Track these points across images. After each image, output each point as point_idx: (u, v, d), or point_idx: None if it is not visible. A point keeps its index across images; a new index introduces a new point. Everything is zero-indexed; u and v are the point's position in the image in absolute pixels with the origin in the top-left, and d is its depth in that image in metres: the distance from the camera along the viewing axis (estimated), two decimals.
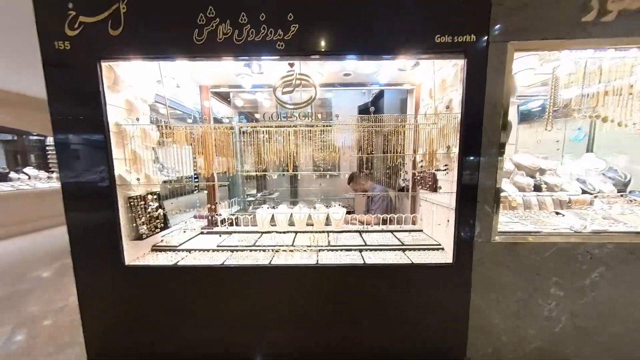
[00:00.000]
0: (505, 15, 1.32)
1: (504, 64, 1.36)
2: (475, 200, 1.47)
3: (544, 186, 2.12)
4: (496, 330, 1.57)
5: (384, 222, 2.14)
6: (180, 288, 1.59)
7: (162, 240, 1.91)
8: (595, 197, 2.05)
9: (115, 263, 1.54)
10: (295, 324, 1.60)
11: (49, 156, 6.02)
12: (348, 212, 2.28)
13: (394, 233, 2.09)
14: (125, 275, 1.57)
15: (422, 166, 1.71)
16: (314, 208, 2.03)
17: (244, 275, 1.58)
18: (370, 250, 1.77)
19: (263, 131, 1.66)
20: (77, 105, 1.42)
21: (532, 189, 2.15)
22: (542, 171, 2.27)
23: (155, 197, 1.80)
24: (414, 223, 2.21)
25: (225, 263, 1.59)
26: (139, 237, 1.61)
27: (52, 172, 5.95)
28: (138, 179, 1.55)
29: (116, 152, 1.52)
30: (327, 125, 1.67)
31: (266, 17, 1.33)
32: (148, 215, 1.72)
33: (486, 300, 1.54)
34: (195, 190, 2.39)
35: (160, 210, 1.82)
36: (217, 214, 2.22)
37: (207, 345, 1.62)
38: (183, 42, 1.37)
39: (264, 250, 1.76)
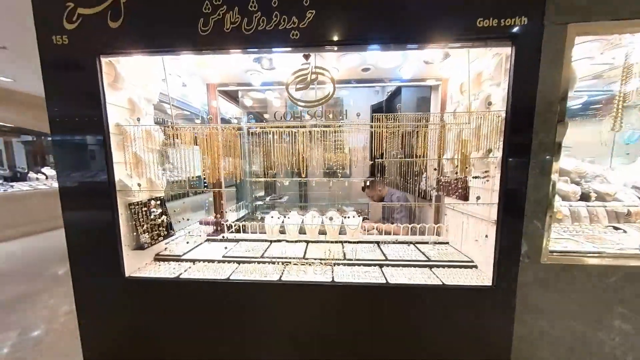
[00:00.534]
0: None
1: (562, 51, 1.13)
2: (522, 213, 1.24)
3: (593, 195, 1.84)
4: None
5: (408, 232, 1.93)
6: (182, 303, 1.46)
7: (165, 249, 1.80)
8: None
9: (115, 274, 1.43)
10: (308, 349, 1.43)
11: None
12: (363, 220, 2.09)
13: (416, 245, 1.88)
14: (126, 288, 1.45)
15: (456, 173, 1.49)
16: (329, 219, 1.84)
17: (251, 291, 1.42)
18: (393, 266, 1.57)
19: (272, 132, 1.50)
20: (75, 105, 1.32)
21: (579, 197, 1.87)
22: (588, 177, 1.98)
23: (158, 202, 1.68)
24: (438, 234, 1.98)
25: (230, 277, 1.44)
26: (140, 247, 1.49)
27: None
28: (139, 185, 1.43)
29: (117, 155, 1.41)
30: (342, 125, 1.49)
31: (279, 2, 1.17)
32: (151, 223, 1.60)
33: (533, 331, 1.30)
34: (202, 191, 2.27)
35: (164, 217, 1.70)
36: (223, 221, 2.08)
37: None
38: (187, 34, 1.24)
39: (273, 263, 1.60)
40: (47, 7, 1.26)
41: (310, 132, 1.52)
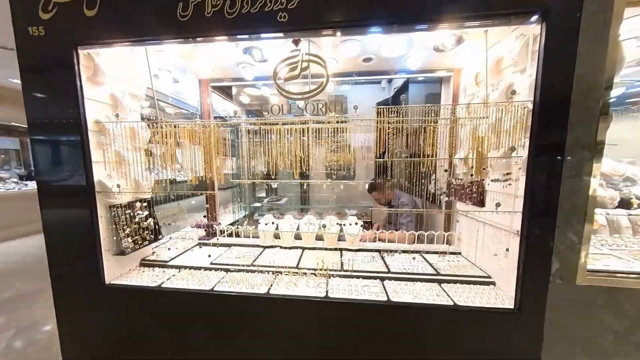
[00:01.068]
0: None
1: (608, 27, 0.92)
2: (552, 224, 1.03)
3: (635, 201, 1.57)
4: None
5: (414, 240, 1.75)
6: (164, 314, 1.35)
7: (153, 253, 1.70)
8: None
9: (94, 281, 1.34)
10: None
11: None
12: (365, 223, 1.91)
13: (424, 254, 1.68)
14: (105, 295, 1.36)
15: (471, 175, 1.29)
16: (323, 226, 1.69)
17: (236, 305, 1.28)
18: (396, 279, 1.39)
19: (263, 130, 1.36)
20: (52, 100, 1.24)
21: (616, 204, 1.61)
22: (628, 180, 1.71)
23: (144, 205, 1.59)
24: (448, 243, 1.77)
25: (215, 288, 1.32)
26: (121, 253, 1.40)
27: None
28: (119, 185, 1.33)
29: (97, 154, 1.32)
30: (339, 121, 1.33)
31: None
32: (135, 226, 1.51)
33: None
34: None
35: (150, 220, 1.61)
36: (216, 223, 1.97)
37: None
38: (166, 20, 1.12)
39: (263, 272, 1.46)
40: None
41: (305, 129, 1.37)
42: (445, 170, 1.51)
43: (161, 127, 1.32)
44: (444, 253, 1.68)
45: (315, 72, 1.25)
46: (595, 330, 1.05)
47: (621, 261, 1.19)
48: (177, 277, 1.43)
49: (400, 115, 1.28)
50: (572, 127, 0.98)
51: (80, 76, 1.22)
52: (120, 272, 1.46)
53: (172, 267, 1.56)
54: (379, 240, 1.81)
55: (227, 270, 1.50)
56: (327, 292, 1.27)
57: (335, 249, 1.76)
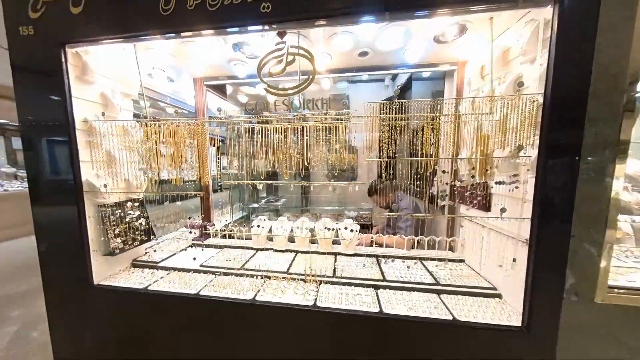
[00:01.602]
0: None
1: (633, 10, 0.79)
2: (567, 232, 0.91)
3: None
4: None
5: (414, 245, 1.64)
6: (151, 316, 1.32)
7: (146, 254, 1.69)
8: None
9: (82, 282, 1.33)
10: None
11: None
12: (363, 226, 1.82)
13: (423, 262, 1.57)
14: (93, 296, 1.35)
15: (473, 177, 1.18)
16: (310, 230, 1.61)
17: (221, 310, 1.23)
18: (391, 288, 1.30)
19: (256, 128, 1.30)
20: (41, 99, 1.24)
21: None
22: None
23: (136, 204, 1.58)
24: (451, 249, 1.65)
25: (200, 292, 1.27)
26: (110, 253, 1.38)
27: None
28: (105, 185, 1.32)
29: (86, 154, 1.31)
30: (330, 119, 1.25)
31: None
32: (126, 226, 1.49)
33: None
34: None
35: (142, 220, 1.59)
36: (210, 224, 1.95)
37: None
38: (149, 15, 1.09)
39: (252, 277, 1.41)
40: None
41: (301, 128, 1.30)
42: (444, 172, 1.40)
43: (147, 126, 1.29)
44: (445, 260, 1.56)
45: (306, 67, 1.19)
46: (616, 356, 0.92)
47: None
48: (165, 280, 1.40)
49: (397, 113, 1.18)
50: (591, 123, 0.85)
51: (68, 75, 1.21)
52: (110, 272, 1.45)
53: (162, 268, 1.53)
54: (376, 244, 1.71)
55: (215, 274, 1.46)
56: (315, 300, 1.19)
57: (329, 253, 1.68)
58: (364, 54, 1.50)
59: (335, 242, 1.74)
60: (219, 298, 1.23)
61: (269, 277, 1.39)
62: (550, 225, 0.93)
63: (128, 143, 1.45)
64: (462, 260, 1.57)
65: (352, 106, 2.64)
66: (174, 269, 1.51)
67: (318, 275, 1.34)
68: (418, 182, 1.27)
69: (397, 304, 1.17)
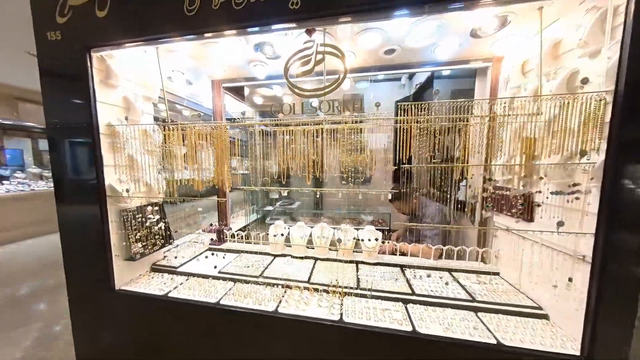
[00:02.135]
0: None
1: None
2: (638, 251, 0.79)
3: None
4: None
5: (441, 255, 1.54)
6: (171, 323, 1.29)
7: (164, 257, 1.68)
8: None
9: (105, 286, 1.33)
10: None
11: None
12: (382, 232, 1.73)
13: (453, 273, 1.46)
14: (115, 301, 1.34)
15: (523, 186, 1.06)
16: (339, 237, 1.54)
17: (241, 321, 1.19)
18: (421, 303, 1.20)
19: (273, 131, 1.25)
20: (67, 103, 1.24)
21: None
22: None
23: (156, 209, 1.56)
24: (483, 261, 1.53)
25: (221, 301, 1.23)
26: (131, 258, 1.37)
27: None
28: (127, 190, 1.31)
29: (109, 158, 1.31)
30: (358, 121, 1.17)
31: None
32: (146, 231, 1.48)
33: None
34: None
35: (161, 224, 1.58)
36: (227, 228, 1.92)
37: None
38: (173, 16, 1.06)
39: (273, 286, 1.36)
40: (43, 1, 1.20)
41: (318, 130, 1.24)
42: (463, 178, 1.27)
43: (169, 130, 1.27)
44: (478, 272, 1.44)
45: (330, 67, 1.12)
46: None
47: None
48: (185, 286, 1.38)
49: (427, 113, 1.08)
50: None
51: (93, 79, 1.21)
52: (130, 276, 1.44)
53: (181, 274, 1.51)
54: (400, 253, 1.62)
55: (235, 281, 1.41)
56: (341, 314, 1.12)
57: (350, 262, 1.60)
58: (390, 51, 1.41)
59: (355, 249, 1.65)
60: (240, 308, 1.18)
61: (289, 287, 1.33)
62: (619, 242, 0.81)
63: (149, 147, 1.44)
64: (497, 274, 1.45)
65: (367, 105, 2.55)
66: (193, 275, 1.48)
67: (344, 287, 1.27)
68: (448, 189, 1.17)
69: (431, 322, 1.07)
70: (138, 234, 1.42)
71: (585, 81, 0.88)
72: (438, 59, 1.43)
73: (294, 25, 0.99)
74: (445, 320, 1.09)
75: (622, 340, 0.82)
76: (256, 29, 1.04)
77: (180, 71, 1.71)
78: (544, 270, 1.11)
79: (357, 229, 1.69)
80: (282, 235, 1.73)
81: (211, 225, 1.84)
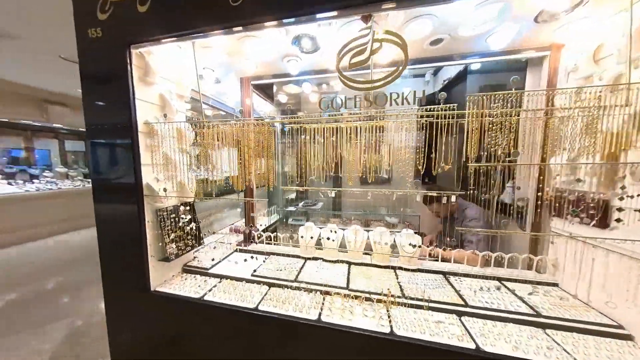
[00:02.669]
0: None
1: None
2: None
3: None
4: None
5: (487, 262, 1.42)
6: (207, 326, 1.25)
7: (194, 258, 1.65)
8: None
9: (141, 287, 1.30)
10: None
11: None
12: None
13: (503, 283, 1.34)
14: (150, 302, 1.32)
15: (622, 187, 0.93)
16: (375, 240, 1.44)
17: (281, 328, 1.12)
18: (476, 316, 1.09)
19: (312, 128, 1.18)
20: (106, 101, 1.23)
21: None
22: None
23: (187, 208, 1.54)
24: (537, 270, 1.39)
25: (259, 307, 1.17)
26: (166, 259, 1.34)
27: None
28: (165, 190, 1.28)
29: (146, 157, 1.28)
30: (427, 116, 1.08)
31: None
32: (180, 231, 1.46)
33: None
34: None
35: (192, 224, 1.55)
36: (254, 229, 1.87)
37: None
38: (217, 8, 1.01)
39: (308, 291, 1.29)
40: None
41: (358, 127, 1.16)
42: (513, 176, 1.12)
43: (209, 128, 1.23)
44: (533, 283, 1.31)
45: (378, 58, 1.03)
46: None
47: None
48: (220, 289, 1.33)
49: (501, 105, 0.96)
50: None
51: (132, 76, 1.19)
52: (164, 278, 1.41)
53: (213, 275, 1.47)
54: (442, 259, 1.50)
55: (269, 285, 1.36)
56: (391, 326, 1.03)
57: (388, 267, 1.51)
58: (436, 42, 1.30)
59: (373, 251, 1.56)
60: (280, 315, 1.11)
61: (329, 293, 1.25)
62: None
63: (183, 145, 1.41)
64: (555, 284, 1.31)
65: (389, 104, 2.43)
66: (226, 277, 1.44)
67: (387, 296, 1.17)
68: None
69: (495, 339, 0.96)
70: (172, 235, 1.39)
71: None
72: (490, 48, 1.31)
73: (343, 9, 0.91)
74: (510, 337, 0.97)
75: None
76: (303, 17, 0.97)
77: (211, 69, 1.68)
78: (622, 283, 0.97)
79: (393, 233, 1.59)
80: (311, 237, 1.66)
81: (251, 226, 1.80)
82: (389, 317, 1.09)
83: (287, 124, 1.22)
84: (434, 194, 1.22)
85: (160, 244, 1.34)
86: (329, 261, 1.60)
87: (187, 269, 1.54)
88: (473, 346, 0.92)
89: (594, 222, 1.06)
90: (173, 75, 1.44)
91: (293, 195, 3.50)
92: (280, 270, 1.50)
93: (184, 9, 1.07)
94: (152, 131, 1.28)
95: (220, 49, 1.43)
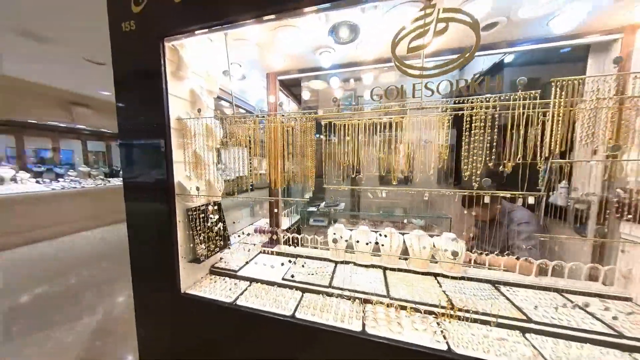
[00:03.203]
0: None
1: None
2: None
3: None
4: None
5: (542, 271, 1.27)
6: (240, 332, 1.19)
7: (221, 259, 1.60)
8: None
9: (171, 289, 1.26)
10: None
11: None
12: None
13: (564, 294, 1.19)
14: (181, 305, 1.27)
15: None
16: (410, 237, 1.33)
17: (322, 339, 1.04)
18: (544, 334, 0.96)
19: (357, 124, 1.09)
20: (138, 96, 1.19)
21: None
22: None
23: (215, 208, 1.49)
24: (604, 282, 1.23)
25: (296, 314, 1.10)
26: (196, 260, 1.30)
27: None
28: (198, 188, 1.23)
29: (178, 155, 1.24)
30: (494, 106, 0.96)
31: None
32: (209, 232, 1.41)
33: None
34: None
35: (220, 225, 1.50)
36: (280, 230, 1.81)
37: None
38: None
39: (345, 298, 1.19)
40: None
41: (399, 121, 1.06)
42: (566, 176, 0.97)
43: (243, 123, 1.17)
44: (601, 296, 1.16)
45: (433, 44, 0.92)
46: None
47: None
48: (251, 293, 1.27)
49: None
50: None
51: (166, 70, 1.14)
52: (193, 280, 1.37)
53: (242, 278, 1.41)
54: (490, 266, 1.37)
55: (303, 291, 1.28)
56: (447, 342, 0.92)
57: (427, 274, 1.39)
58: (490, 26, 1.18)
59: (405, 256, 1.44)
60: (320, 325, 1.03)
61: (369, 302, 1.16)
62: None
63: (210, 143, 1.36)
64: (629, 299, 1.15)
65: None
66: (256, 280, 1.37)
67: (456, 309, 1.05)
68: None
69: None
70: (202, 235, 1.35)
71: None
72: (554, 32, 1.17)
73: None
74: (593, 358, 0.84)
75: None
76: None
77: (238, 63, 1.63)
78: None
79: (432, 236, 1.47)
80: (341, 237, 1.57)
81: (258, 225, 1.73)
82: (442, 331, 0.98)
83: (330, 119, 1.13)
84: (467, 193, 1.09)
85: (191, 244, 1.29)
86: (363, 265, 1.50)
87: (215, 271, 1.50)
88: None
89: None
90: (202, 70, 1.40)
91: (309, 194, 3.43)
92: (312, 274, 1.42)
93: None
94: (184, 128, 1.24)
95: (252, 42, 1.36)
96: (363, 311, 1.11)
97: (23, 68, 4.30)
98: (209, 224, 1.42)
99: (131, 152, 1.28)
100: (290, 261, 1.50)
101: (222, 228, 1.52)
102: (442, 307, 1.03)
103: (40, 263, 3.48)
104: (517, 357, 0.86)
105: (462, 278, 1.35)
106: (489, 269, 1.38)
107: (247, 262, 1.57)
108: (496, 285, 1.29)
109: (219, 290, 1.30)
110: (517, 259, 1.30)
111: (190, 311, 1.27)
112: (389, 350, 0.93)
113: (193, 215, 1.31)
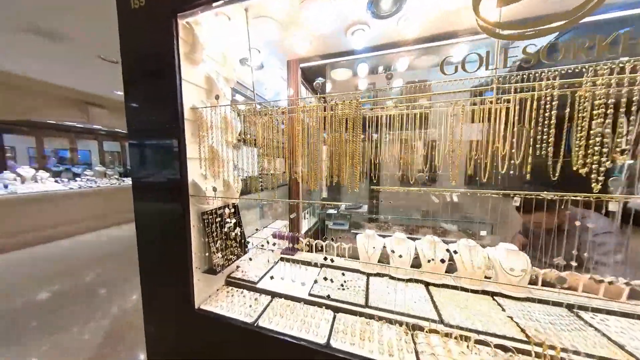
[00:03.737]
0: None
1: None
2: None
3: None
4: None
5: (634, 294, 1.01)
6: (260, 356, 1.01)
7: (237, 268, 1.44)
8: None
9: (185, 303, 1.10)
10: None
11: None
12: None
13: None
14: (195, 321, 1.11)
15: None
16: (458, 246, 1.11)
17: None
18: None
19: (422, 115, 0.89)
20: (149, 82, 1.04)
21: None
22: None
23: (232, 211, 1.32)
24: None
25: (331, 342, 0.90)
26: (212, 271, 1.13)
27: None
28: (215, 189, 1.06)
29: (191, 150, 1.08)
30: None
31: None
32: (224, 237, 1.24)
33: None
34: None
35: (237, 230, 1.33)
36: (301, 236, 1.62)
37: None
38: None
39: (387, 322, 0.99)
40: None
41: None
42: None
43: (270, 114, 0.99)
44: None
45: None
46: None
47: None
48: (274, 311, 1.09)
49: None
50: None
51: (178, 52, 0.98)
52: (208, 292, 1.20)
53: (262, 291, 1.24)
54: (569, 288, 1.12)
55: (334, 309, 1.08)
56: None
57: (483, 292, 1.16)
58: None
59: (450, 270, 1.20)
60: (364, 358, 0.83)
61: (420, 328, 0.95)
62: None
63: (229, 137, 1.19)
64: None
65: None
66: (279, 295, 1.19)
67: (514, 340, 0.83)
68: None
69: None
70: (218, 242, 1.18)
71: None
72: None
73: None
74: None
75: None
76: None
77: (257, 49, 1.45)
78: None
79: (484, 247, 1.24)
80: (374, 247, 1.37)
81: (278, 230, 1.55)
82: None
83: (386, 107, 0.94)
84: (513, 193, 0.85)
85: (206, 253, 1.12)
86: (401, 280, 1.29)
87: (231, 281, 1.33)
88: None
89: None
90: (219, 53, 1.23)
91: (324, 194, 3.24)
92: (342, 289, 1.22)
93: None
94: (200, 119, 1.07)
95: (275, 18, 1.18)
96: (414, 341, 0.90)
97: (38, 68, 4.35)
98: (225, 229, 1.26)
99: (140, 146, 1.13)
100: (325, 279, 1.30)
101: (239, 233, 1.35)
102: (518, 341, 0.80)
103: (61, 259, 3.52)
104: None
105: (527, 299, 1.11)
106: (561, 289, 1.13)
107: (267, 272, 1.40)
108: (573, 310, 1.04)
109: (237, 307, 1.13)
110: (602, 281, 1.04)
111: (205, 329, 1.10)
112: None
113: (208, 220, 1.14)
